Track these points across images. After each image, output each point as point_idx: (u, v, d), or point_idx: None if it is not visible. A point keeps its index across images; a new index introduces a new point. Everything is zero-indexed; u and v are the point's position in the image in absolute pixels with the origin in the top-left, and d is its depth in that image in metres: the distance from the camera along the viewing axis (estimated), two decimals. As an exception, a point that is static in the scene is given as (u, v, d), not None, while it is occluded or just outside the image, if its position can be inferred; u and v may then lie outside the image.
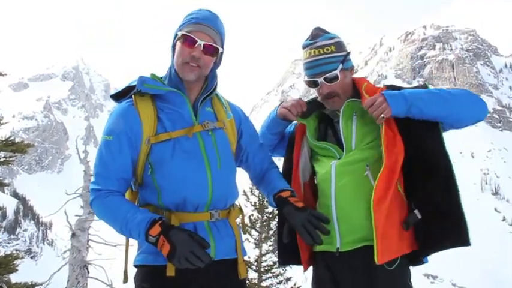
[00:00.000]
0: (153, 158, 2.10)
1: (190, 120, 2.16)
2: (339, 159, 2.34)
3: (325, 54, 2.35)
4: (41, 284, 9.32)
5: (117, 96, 2.20)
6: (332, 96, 2.37)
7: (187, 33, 2.12)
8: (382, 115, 2.20)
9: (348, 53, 2.42)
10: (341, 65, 2.36)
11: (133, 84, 2.16)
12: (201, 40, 2.11)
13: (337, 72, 2.34)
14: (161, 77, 2.23)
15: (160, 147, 2.09)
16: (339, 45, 2.39)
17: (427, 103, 2.21)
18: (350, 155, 2.32)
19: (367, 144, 2.32)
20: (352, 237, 2.25)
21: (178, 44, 2.15)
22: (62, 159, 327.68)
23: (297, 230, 2.12)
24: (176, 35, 2.17)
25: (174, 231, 1.94)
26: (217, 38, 2.18)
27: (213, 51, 2.17)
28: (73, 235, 8.99)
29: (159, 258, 2.00)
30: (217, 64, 2.27)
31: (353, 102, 2.38)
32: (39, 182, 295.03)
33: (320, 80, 2.34)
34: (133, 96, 2.16)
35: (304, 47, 2.43)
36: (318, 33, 2.41)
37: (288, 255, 2.54)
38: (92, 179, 2.15)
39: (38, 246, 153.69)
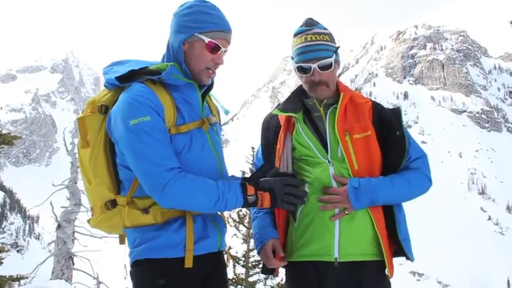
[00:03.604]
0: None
1: (199, 114, 2.17)
2: (328, 162, 2.33)
3: (321, 40, 2.36)
4: (26, 278, 9.25)
5: (121, 80, 2.11)
6: (321, 84, 2.35)
7: (214, 41, 2.13)
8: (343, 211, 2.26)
9: (338, 47, 2.44)
10: (334, 55, 2.38)
11: (136, 68, 2.13)
12: (224, 47, 2.16)
13: (331, 60, 2.35)
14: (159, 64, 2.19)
15: (180, 138, 2.08)
16: (332, 37, 2.42)
17: (388, 200, 2.30)
18: (343, 165, 2.32)
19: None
20: (352, 250, 2.25)
21: (200, 47, 2.13)
22: (50, 152, 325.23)
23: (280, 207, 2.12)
24: (192, 34, 2.12)
25: (262, 181, 2.06)
26: (231, 39, 2.22)
27: (226, 54, 2.24)
28: (58, 226, 8.92)
29: (170, 251, 2.03)
30: None
31: (337, 109, 2.40)
32: (26, 175, 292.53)
33: (314, 66, 2.32)
34: (143, 82, 2.09)
35: (298, 33, 2.42)
36: (312, 22, 2.42)
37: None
38: (147, 163, 1.95)
39: (24, 240, 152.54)
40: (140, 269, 2.08)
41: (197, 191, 1.97)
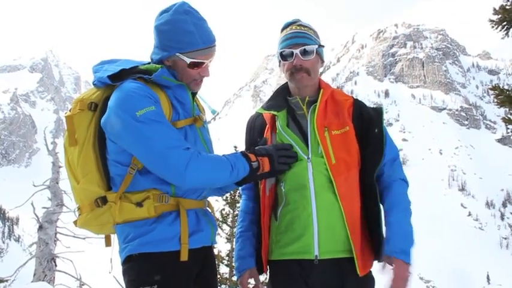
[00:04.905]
0: None
1: (191, 112, 2.22)
2: (308, 159, 2.33)
3: (306, 32, 2.43)
4: (6, 281, 9.09)
5: (112, 78, 2.10)
6: (302, 70, 2.39)
7: (196, 60, 2.15)
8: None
9: (323, 46, 2.52)
10: (317, 47, 2.43)
11: (127, 67, 2.14)
12: (208, 60, 2.20)
13: (314, 47, 2.40)
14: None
15: None
16: (317, 34, 2.49)
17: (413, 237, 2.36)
18: (321, 160, 2.32)
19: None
20: (332, 247, 2.26)
21: (183, 66, 2.16)
22: (29, 153, 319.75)
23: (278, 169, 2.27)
24: (173, 53, 2.14)
25: (258, 149, 2.24)
26: (215, 50, 2.23)
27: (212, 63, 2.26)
28: (40, 227, 8.77)
29: (165, 244, 2.03)
30: None
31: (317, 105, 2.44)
32: (5, 176, 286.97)
33: (296, 51, 2.37)
34: (136, 79, 2.11)
35: (286, 26, 2.49)
36: (298, 19, 2.52)
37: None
38: (163, 146, 1.95)
39: (3, 242, 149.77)
40: (134, 265, 2.04)
41: (215, 166, 2.03)
